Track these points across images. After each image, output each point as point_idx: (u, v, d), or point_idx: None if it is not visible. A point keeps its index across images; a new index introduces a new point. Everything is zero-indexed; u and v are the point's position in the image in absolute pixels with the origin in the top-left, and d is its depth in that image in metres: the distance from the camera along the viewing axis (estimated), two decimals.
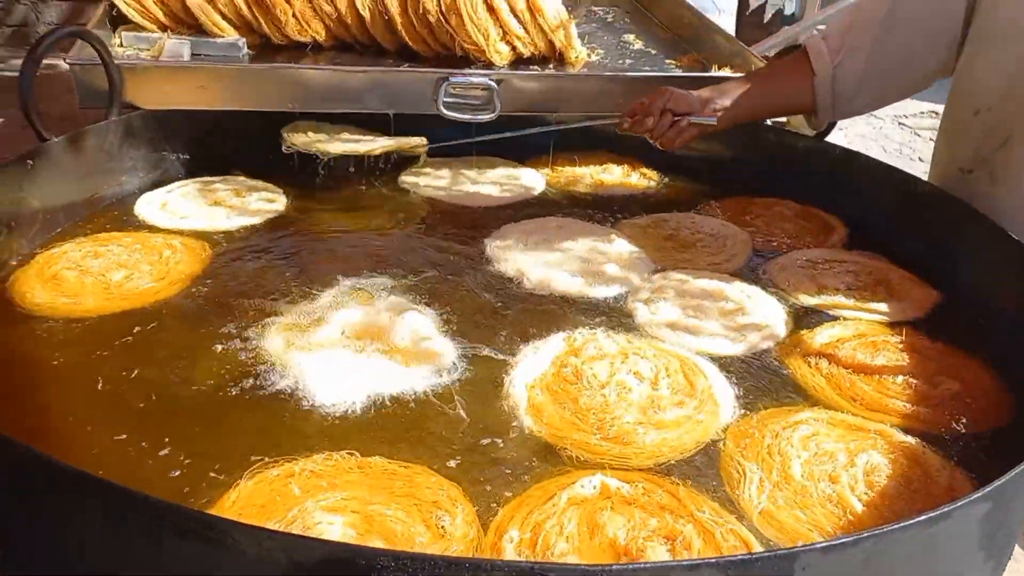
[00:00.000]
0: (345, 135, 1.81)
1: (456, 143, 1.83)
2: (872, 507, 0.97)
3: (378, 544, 0.88)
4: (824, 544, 0.67)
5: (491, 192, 1.87)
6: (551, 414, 1.10)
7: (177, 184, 1.75)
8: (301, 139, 1.75)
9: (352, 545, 0.76)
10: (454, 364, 1.20)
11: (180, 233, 1.55)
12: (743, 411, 1.14)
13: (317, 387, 1.12)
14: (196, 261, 1.46)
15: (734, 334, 1.32)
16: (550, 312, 1.38)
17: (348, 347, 1.21)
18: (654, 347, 1.26)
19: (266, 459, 0.98)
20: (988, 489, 0.75)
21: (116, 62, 1.63)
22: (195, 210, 1.65)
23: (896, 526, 0.70)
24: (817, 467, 1.03)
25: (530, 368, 1.19)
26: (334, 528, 0.89)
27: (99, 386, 1.12)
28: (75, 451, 0.99)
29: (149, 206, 1.65)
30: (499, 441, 1.06)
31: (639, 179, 1.99)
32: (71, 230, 1.54)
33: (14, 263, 1.40)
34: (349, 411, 1.09)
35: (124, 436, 1.02)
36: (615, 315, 1.38)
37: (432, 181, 1.90)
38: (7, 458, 0.79)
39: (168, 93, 1.72)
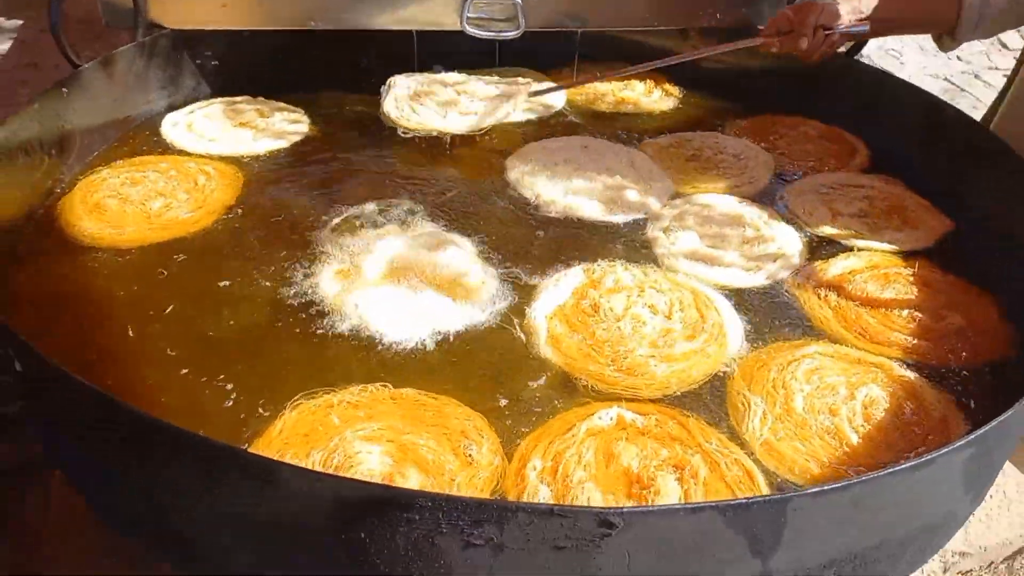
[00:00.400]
0: (456, 107, 1.80)
1: (583, 82, 1.83)
2: (867, 439, 1.04)
3: (412, 471, 0.97)
4: (814, 490, 0.75)
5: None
6: (568, 345, 1.17)
7: (201, 104, 1.78)
8: (415, 121, 1.76)
9: (392, 487, 0.84)
10: (492, 297, 1.26)
11: (211, 158, 1.60)
12: (751, 344, 1.20)
13: (375, 322, 1.19)
14: (230, 188, 1.51)
15: (751, 263, 1.37)
16: (575, 237, 1.43)
17: (394, 283, 1.27)
18: (670, 280, 1.31)
19: (306, 391, 1.06)
20: (971, 437, 0.82)
21: None
22: (221, 132, 1.68)
23: (882, 473, 0.77)
24: (819, 400, 1.10)
25: (550, 299, 1.25)
26: (372, 457, 0.99)
27: (154, 321, 1.20)
28: (138, 388, 1.08)
29: (175, 128, 1.69)
30: (520, 371, 1.14)
31: (661, 96, 1.98)
32: (107, 154, 1.59)
33: (58, 190, 1.47)
34: (397, 345, 1.17)
35: (186, 371, 1.11)
36: (636, 243, 1.42)
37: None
38: (79, 402, 0.88)
39: (191, 12, 1.71)
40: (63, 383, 0.87)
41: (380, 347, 1.16)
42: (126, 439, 0.88)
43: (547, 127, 1.81)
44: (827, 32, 1.57)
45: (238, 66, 1.86)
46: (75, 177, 1.50)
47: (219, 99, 1.81)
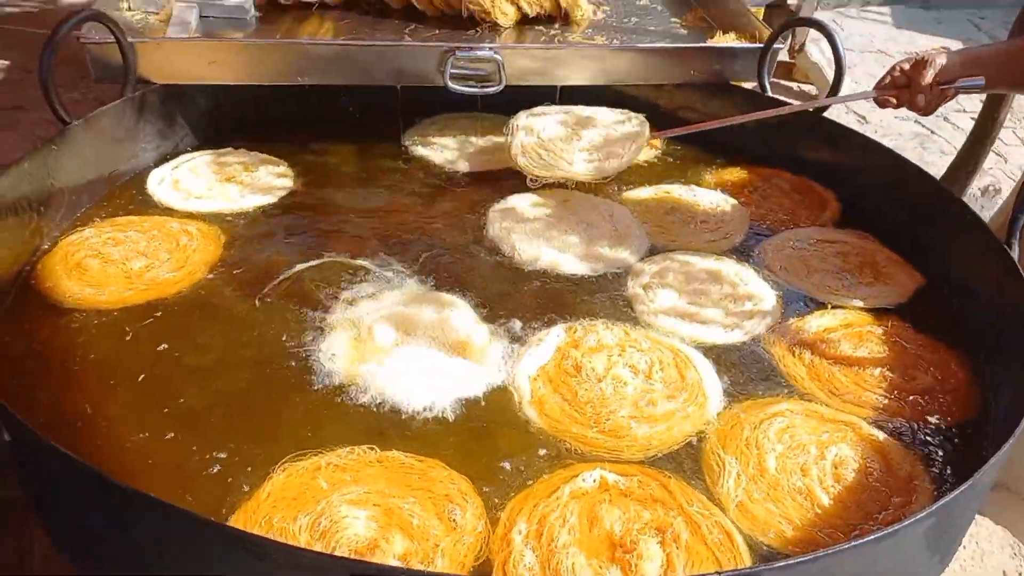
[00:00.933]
0: (577, 155, 1.78)
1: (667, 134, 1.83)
2: (837, 501, 1.08)
3: (397, 537, 1.00)
4: (782, 564, 0.78)
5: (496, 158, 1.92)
6: (552, 406, 1.21)
7: (186, 158, 1.81)
8: (541, 169, 1.75)
9: (373, 563, 0.87)
10: (499, 356, 1.30)
11: (195, 217, 1.61)
12: (728, 402, 1.25)
13: (380, 384, 1.22)
14: (213, 247, 1.52)
15: (729, 319, 1.42)
16: (556, 293, 1.48)
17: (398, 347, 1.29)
18: (650, 339, 1.35)
19: (294, 453, 1.09)
20: (933, 508, 0.86)
21: (129, 40, 1.65)
22: (207, 189, 1.70)
23: (847, 545, 0.81)
24: (790, 460, 1.14)
25: (533, 360, 1.29)
26: (358, 522, 1.01)
27: (136, 384, 1.21)
28: (123, 452, 1.09)
29: (161, 185, 1.70)
30: (507, 432, 1.17)
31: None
32: (92, 211, 1.61)
33: (45, 247, 1.48)
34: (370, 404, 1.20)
35: (171, 435, 1.12)
36: (617, 299, 1.47)
37: (438, 147, 1.97)
38: (57, 468, 0.90)
39: (180, 68, 1.75)
40: (46, 452, 0.89)
41: (376, 408, 1.19)
42: (107, 509, 0.90)
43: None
44: (943, 87, 1.58)
45: (224, 118, 1.90)
46: (58, 236, 1.51)
47: (205, 152, 1.84)
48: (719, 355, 1.34)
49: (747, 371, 1.32)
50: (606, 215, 1.71)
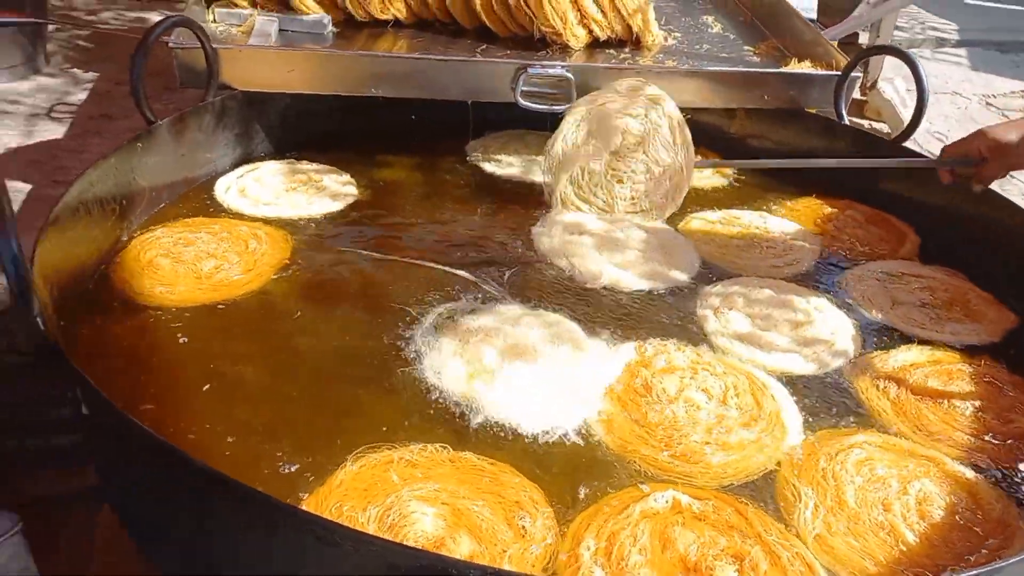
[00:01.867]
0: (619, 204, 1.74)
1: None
2: (925, 539, 1.03)
3: (464, 537, 0.98)
4: None
5: None
6: (621, 425, 1.18)
7: (252, 167, 1.82)
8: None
9: (444, 556, 0.85)
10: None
11: (264, 221, 1.62)
12: (804, 433, 1.20)
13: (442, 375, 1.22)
14: (281, 251, 1.53)
15: (804, 349, 1.37)
16: (625, 311, 1.45)
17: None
18: (723, 363, 1.31)
19: (368, 444, 1.08)
20: None
21: (214, 46, 1.70)
22: (275, 196, 1.72)
23: None
24: (870, 493, 1.09)
25: (603, 377, 1.26)
26: (426, 519, 0.99)
27: (209, 377, 1.22)
28: (199, 439, 1.10)
29: (227, 193, 1.72)
30: (573, 447, 1.14)
31: (711, 173, 2.01)
32: (167, 211, 1.64)
33: (124, 239, 1.51)
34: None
35: (240, 431, 1.12)
36: (686, 321, 1.43)
37: (500, 162, 1.98)
38: (140, 448, 0.90)
39: (260, 75, 1.79)
40: (127, 429, 0.89)
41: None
42: (182, 488, 0.90)
43: None
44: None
45: (296, 127, 1.93)
46: (134, 234, 1.53)
47: (272, 161, 1.87)
48: (795, 384, 1.30)
49: (826, 402, 1.27)
50: (674, 237, 1.69)
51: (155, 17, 3.60)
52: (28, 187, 2.25)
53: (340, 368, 1.25)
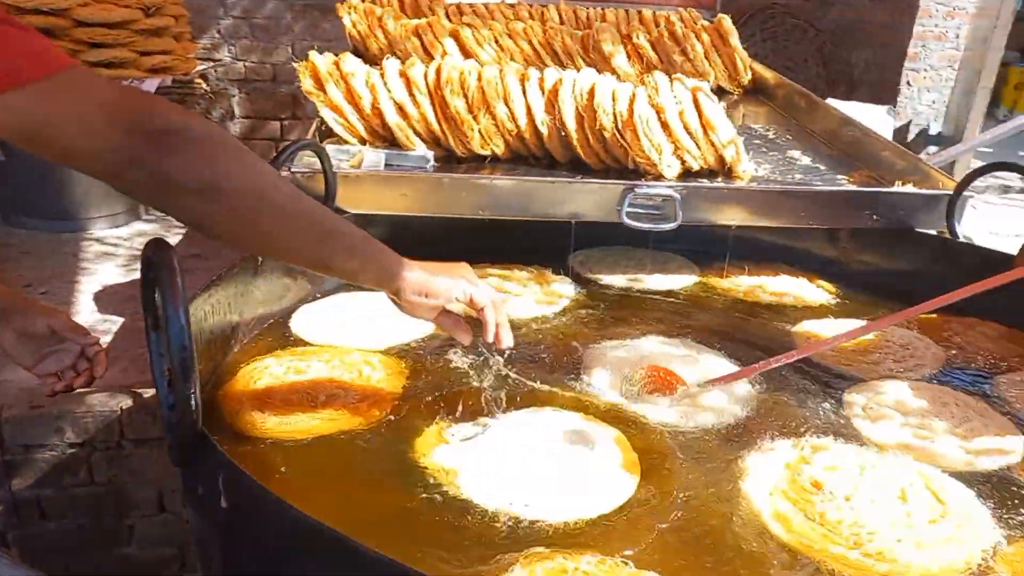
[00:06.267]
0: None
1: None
2: None
3: None
4: None
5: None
6: (800, 524, 1.06)
7: (331, 300, 1.76)
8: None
9: None
10: None
11: (371, 350, 1.54)
12: (1005, 531, 1.07)
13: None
14: (396, 376, 1.44)
15: (968, 452, 1.26)
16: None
17: None
18: (888, 460, 1.21)
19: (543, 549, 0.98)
20: None
21: (333, 171, 1.77)
22: (367, 322, 1.64)
23: None
24: None
25: (764, 474, 1.16)
26: None
27: (343, 504, 1.10)
28: None
29: (313, 326, 1.63)
30: (751, 553, 1.02)
31: (815, 291, 1.97)
32: (271, 340, 1.56)
33: (217, 378, 1.40)
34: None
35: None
36: (835, 426, 1.34)
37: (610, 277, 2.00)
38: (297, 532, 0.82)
39: (374, 199, 1.84)
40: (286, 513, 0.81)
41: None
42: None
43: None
44: None
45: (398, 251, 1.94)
46: (239, 362, 1.46)
47: (352, 293, 1.79)
48: (972, 482, 1.18)
49: (1011, 503, 1.15)
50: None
51: None
52: (122, 320, 2.29)
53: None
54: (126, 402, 1.88)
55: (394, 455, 1.22)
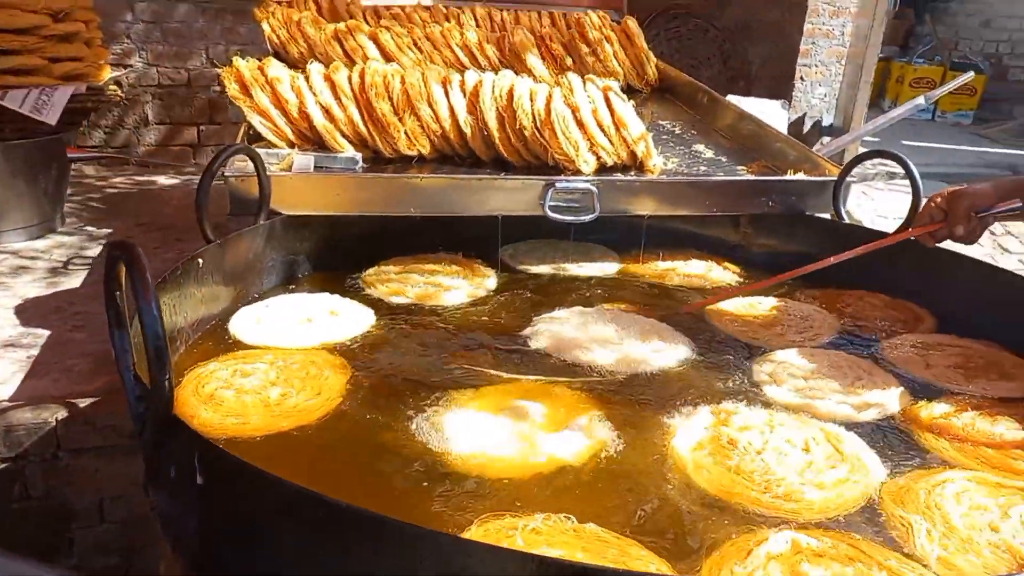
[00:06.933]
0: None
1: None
2: None
3: None
4: None
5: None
6: (719, 473, 1.21)
7: (272, 299, 1.81)
8: None
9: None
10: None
11: (311, 348, 1.59)
12: (889, 472, 1.25)
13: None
14: (342, 372, 1.49)
15: (858, 402, 1.44)
16: (669, 386, 1.51)
17: None
18: (794, 418, 1.37)
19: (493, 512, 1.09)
20: None
21: (267, 174, 1.81)
22: (307, 321, 1.70)
23: None
24: (976, 518, 1.12)
25: (688, 434, 1.31)
26: None
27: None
28: None
29: (259, 324, 1.67)
30: (673, 502, 1.16)
31: (722, 272, 2.15)
32: (212, 345, 1.59)
33: (176, 364, 1.44)
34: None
35: None
36: (746, 392, 1.49)
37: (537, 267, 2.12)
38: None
39: (307, 200, 1.90)
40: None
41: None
42: (329, 529, 0.88)
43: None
44: (980, 216, 1.61)
45: (334, 248, 1.99)
46: (184, 367, 1.47)
47: (288, 294, 1.86)
48: (859, 433, 1.35)
49: (893, 446, 1.33)
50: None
51: (163, 180, 3.79)
52: (48, 332, 2.25)
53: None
54: (61, 413, 1.86)
55: (349, 445, 1.30)
